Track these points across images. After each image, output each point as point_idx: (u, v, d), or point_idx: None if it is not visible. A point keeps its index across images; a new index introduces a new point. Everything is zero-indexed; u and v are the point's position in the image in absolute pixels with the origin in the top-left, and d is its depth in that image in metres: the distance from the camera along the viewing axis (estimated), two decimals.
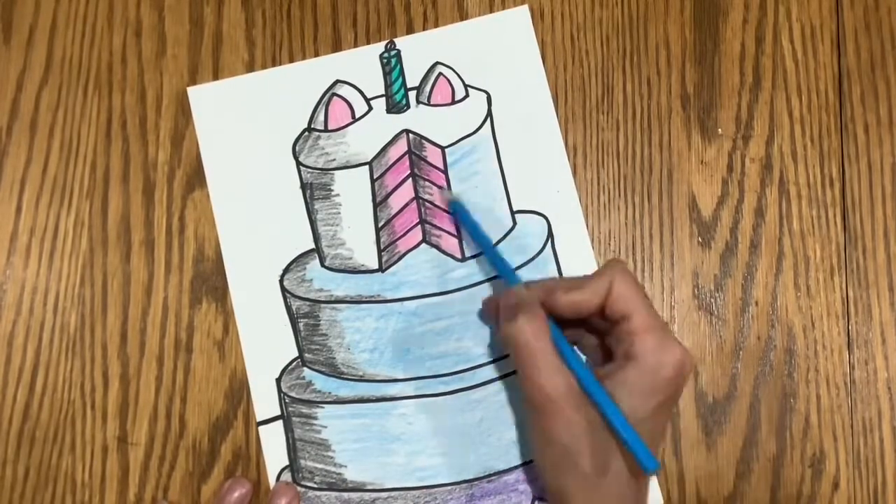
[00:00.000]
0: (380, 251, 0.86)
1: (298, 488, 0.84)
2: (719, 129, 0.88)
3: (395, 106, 0.89)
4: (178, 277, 0.87)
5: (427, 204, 0.86)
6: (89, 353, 0.86)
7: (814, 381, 0.85)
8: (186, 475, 0.85)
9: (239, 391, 0.85)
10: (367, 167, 0.87)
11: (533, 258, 0.86)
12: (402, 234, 0.86)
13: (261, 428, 0.85)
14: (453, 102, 0.89)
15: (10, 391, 0.86)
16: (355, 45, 0.90)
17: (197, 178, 0.88)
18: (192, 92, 0.90)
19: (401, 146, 0.87)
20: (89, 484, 0.85)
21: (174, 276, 0.87)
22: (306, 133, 0.88)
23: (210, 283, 0.87)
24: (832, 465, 0.84)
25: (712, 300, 0.86)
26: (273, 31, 0.91)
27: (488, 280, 0.85)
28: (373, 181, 0.87)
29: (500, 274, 0.78)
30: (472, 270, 0.86)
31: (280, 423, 0.85)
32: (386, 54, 0.90)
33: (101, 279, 0.87)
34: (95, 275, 0.87)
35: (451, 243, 0.86)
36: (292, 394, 0.85)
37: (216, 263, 0.87)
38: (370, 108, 0.89)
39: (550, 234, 0.87)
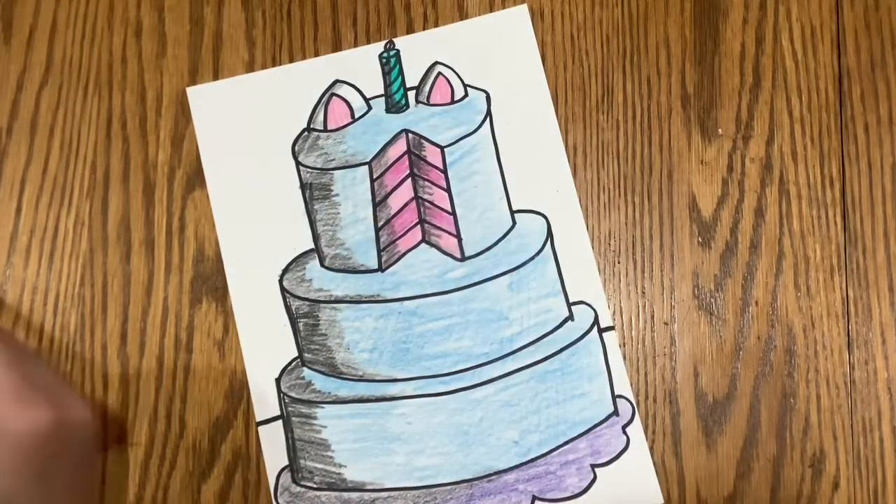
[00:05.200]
0: (379, 251, 0.86)
1: (298, 488, 0.84)
2: (719, 129, 0.88)
3: (395, 106, 0.89)
4: (178, 277, 0.87)
5: (426, 203, 0.87)
6: (89, 354, 0.86)
7: (814, 381, 0.85)
8: (186, 475, 0.85)
9: (239, 391, 0.85)
10: (366, 167, 0.87)
11: (532, 257, 0.86)
12: (401, 233, 0.86)
13: (260, 428, 0.85)
14: (453, 102, 0.89)
15: None
16: (355, 45, 0.90)
17: (197, 178, 0.88)
18: (192, 92, 0.90)
19: (400, 146, 0.87)
20: None
21: (174, 276, 0.87)
22: (306, 133, 0.89)
23: (210, 283, 0.87)
24: (832, 465, 0.84)
25: (712, 300, 0.86)
26: (273, 31, 0.91)
27: (488, 280, 0.85)
28: (372, 181, 0.87)
29: None
30: (471, 270, 0.86)
31: (280, 423, 0.85)
32: (385, 54, 0.90)
33: (101, 279, 0.87)
34: (95, 275, 0.87)
35: (450, 243, 0.86)
36: (292, 394, 0.85)
37: (216, 263, 0.87)
38: (369, 108, 0.89)
39: (550, 234, 0.87)
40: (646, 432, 0.84)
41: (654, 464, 0.84)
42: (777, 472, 0.84)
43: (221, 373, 0.86)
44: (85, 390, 0.86)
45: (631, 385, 0.85)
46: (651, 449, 0.84)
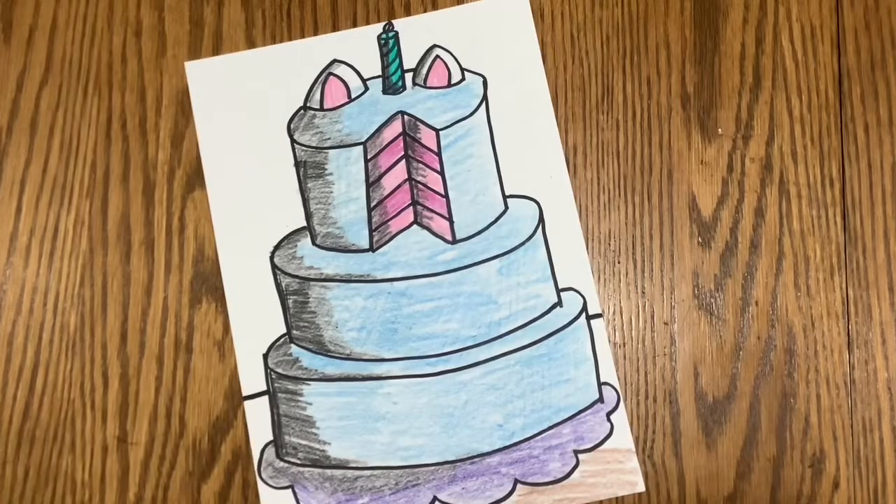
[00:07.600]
0: (371, 231, 0.86)
1: (282, 463, 0.84)
2: (719, 129, 0.88)
3: (392, 87, 0.89)
4: (178, 277, 0.87)
5: (420, 185, 0.87)
6: (89, 353, 0.86)
7: (814, 381, 0.85)
8: (186, 475, 0.85)
9: (239, 391, 0.85)
10: (361, 147, 0.87)
11: (523, 243, 0.86)
12: (393, 214, 0.87)
13: (246, 403, 0.85)
14: (450, 85, 0.89)
15: (10, 391, 0.86)
16: None
17: (197, 177, 0.89)
18: (191, 67, 0.90)
19: (395, 127, 0.87)
20: (89, 484, 0.85)
21: (174, 276, 0.87)
22: (302, 111, 0.89)
23: (210, 282, 0.87)
24: (832, 465, 0.84)
25: (712, 300, 0.86)
26: (273, 31, 0.91)
27: (478, 263, 0.86)
28: (366, 161, 0.87)
29: None
30: (462, 253, 0.86)
31: (266, 398, 0.86)
32: (384, 35, 0.90)
33: (101, 279, 0.87)
34: (95, 275, 0.88)
35: (442, 225, 0.86)
36: (279, 370, 0.85)
37: (216, 263, 0.87)
38: (366, 89, 0.90)
39: (542, 220, 0.87)
40: (646, 432, 0.84)
41: (654, 464, 0.84)
42: (777, 472, 0.84)
43: (221, 373, 0.86)
44: (85, 390, 0.86)
45: (631, 385, 0.85)
46: (651, 449, 0.84)
